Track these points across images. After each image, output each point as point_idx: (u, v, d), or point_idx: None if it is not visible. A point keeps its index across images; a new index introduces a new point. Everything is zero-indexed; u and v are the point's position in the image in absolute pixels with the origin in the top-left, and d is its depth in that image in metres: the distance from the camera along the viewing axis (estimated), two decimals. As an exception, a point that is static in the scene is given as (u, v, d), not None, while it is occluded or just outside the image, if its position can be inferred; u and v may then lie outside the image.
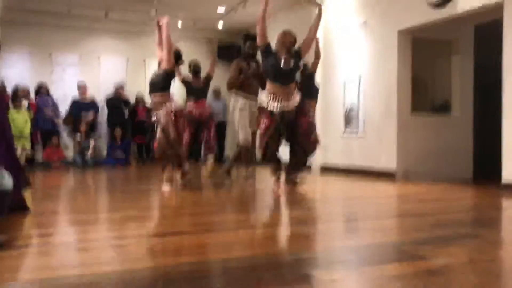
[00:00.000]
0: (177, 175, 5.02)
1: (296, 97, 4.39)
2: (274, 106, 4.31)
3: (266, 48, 4.40)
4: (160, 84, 4.67)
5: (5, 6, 8.11)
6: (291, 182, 4.64)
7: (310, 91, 5.67)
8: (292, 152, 4.57)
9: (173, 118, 4.66)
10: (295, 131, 4.40)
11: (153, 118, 4.79)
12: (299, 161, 4.57)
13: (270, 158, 4.49)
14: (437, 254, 2.15)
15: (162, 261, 2.08)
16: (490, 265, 2.02)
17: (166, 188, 4.73)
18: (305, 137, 4.46)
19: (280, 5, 8.98)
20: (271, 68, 4.35)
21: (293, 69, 4.36)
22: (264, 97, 4.40)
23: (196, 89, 6.44)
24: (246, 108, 5.63)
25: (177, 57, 4.94)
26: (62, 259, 2.16)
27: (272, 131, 4.36)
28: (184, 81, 6.49)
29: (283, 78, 4.32)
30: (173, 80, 4.82)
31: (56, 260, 2.13)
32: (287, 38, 4.41)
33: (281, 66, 4.28)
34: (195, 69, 6.55)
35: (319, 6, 4.74)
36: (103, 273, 1.87)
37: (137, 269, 1.94)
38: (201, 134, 6.62)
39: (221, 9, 9.37)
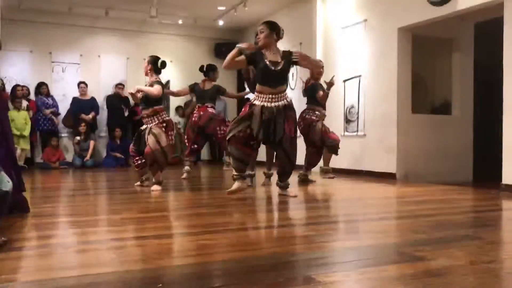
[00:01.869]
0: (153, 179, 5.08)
1: (283, 101, 4.27)
2: (257, 103, 4.24)
3: (252, 57, 4.25)
4: (152, 99, 4.94)
5: (5, 4, 8.09)
6: (281, 188, 4.54)
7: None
8: (277, 159, 4.47)
9: (163, 129, 4.92)
10: (280, 136, 4.26)
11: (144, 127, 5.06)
12: (285, 170, 4.46)
13: (235, 151, 4.28)
14: (437, 255, 2.15)
15: (162, 263, 2.08)
16: (490, 266, 2.01)
17: (156, 188, 4.94)
18: (290, 142, 4.32)
19: (281, 3, 8.99)
20: (261, 71, 4.24)
21: (281, 71, 4.23)
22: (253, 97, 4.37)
23: (203, 92, 6.36)
24: None
25: (163, 65, 5.18)
26: (61, 260, 2.16)
27: (243, 121, 4.24)
28: (192, 89, 6.47)
29: (271, 80, 4.23)
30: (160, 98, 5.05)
31: (55, 262, 2.13)
32: (269, 38, 4.25)
33: (269, 68, 4.19)
34: (211, 67, 6.45)
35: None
36: (102, 274, 1.87)
37: (137, 270, 1.94)
38: (208, 139, 6.59)
39: (221, 8, 9.39)
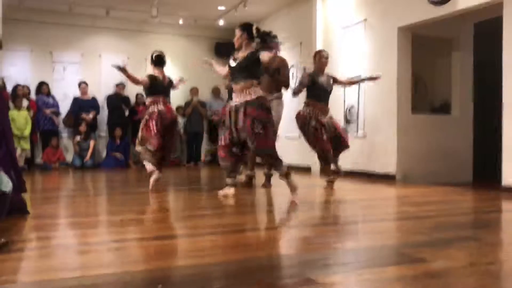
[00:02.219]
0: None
1: (247, 96, 4.31)
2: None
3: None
4: (145, 92, 5.45)
5: (6, 4, 8.09)
6: (282, 177, 4.45)
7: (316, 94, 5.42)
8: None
9: (146, 121, 5.16)
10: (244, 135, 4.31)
11: None
12: (269, 163, 4.61)
13: (220, 161, 4.57)
14: (437, 256, 2.15)
15: (161, 264, 2.08)
16: (490, 267, 2.02)
17: (150, 182, 4.99)
18: (255, 141, 4.22)
19: (281, 3, 8.99)
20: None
21: (238, 65, 4.37)
22: None
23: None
24: None
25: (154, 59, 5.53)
26: (61, 261, 2.16)
27: (223, 125, 4.55)
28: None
29: (233, 76, 4.44)
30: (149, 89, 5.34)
31: (55, 263, 2.13)
32: (240, 39, 4.48)
33: (230, 65, 4.45)
34: None
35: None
36: (102, 275, 1.87)
37: (137, 271, 1.94)
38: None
39: (221, 8, 9.39)
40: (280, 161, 4.31)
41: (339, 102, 7.49)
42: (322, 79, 5.42)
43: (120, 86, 9.82)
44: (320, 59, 5.45)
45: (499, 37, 5.22)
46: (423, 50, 6.89)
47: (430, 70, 7.36)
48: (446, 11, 5.75)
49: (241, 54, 4.43)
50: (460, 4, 5.56)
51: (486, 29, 6.57)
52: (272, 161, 4.39)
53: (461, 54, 7.05)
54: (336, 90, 7.11)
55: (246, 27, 4.47)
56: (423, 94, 7.27)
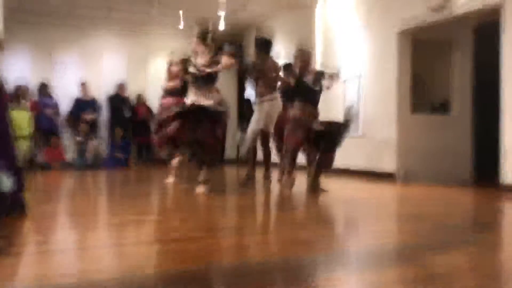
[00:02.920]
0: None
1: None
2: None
3: None
4: None
5: (7, 5, 8.10)
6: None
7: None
8: None
9: None
10: None
11: None
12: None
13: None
14: (437, 257, 2.15)
15: (162, 267, 2.07)
16: (490, 268, 2.02)
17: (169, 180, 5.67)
18: None
19: (281, 5, 8.99)
20: None
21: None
22: None
23: None
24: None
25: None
26: (60, 265, 2.14)
27: None
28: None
29: None
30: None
31: (54, 266, 2.11)
32: None
33: None
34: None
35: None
36: (102, 279, 1.85)
37: (136, 275, 1.93)
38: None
39: (222, 8, 9.38)
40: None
41: (339, 102, 7.49)
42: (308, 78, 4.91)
43: (121, 86, 9.83)
44: (302, 56, 4.96)
45: (498, 39, 5.23)
46: (423, 53, 6.89)
47: (430, 71, 7.36)
48: (445, 15, 5.75)
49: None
50: (459, 8, 5.56)
51: (485, 32, 6.57)
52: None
53: (460, 56, 7.05)
54: (335, 91, 7.13)
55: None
56: (422, 94, 7.27)
